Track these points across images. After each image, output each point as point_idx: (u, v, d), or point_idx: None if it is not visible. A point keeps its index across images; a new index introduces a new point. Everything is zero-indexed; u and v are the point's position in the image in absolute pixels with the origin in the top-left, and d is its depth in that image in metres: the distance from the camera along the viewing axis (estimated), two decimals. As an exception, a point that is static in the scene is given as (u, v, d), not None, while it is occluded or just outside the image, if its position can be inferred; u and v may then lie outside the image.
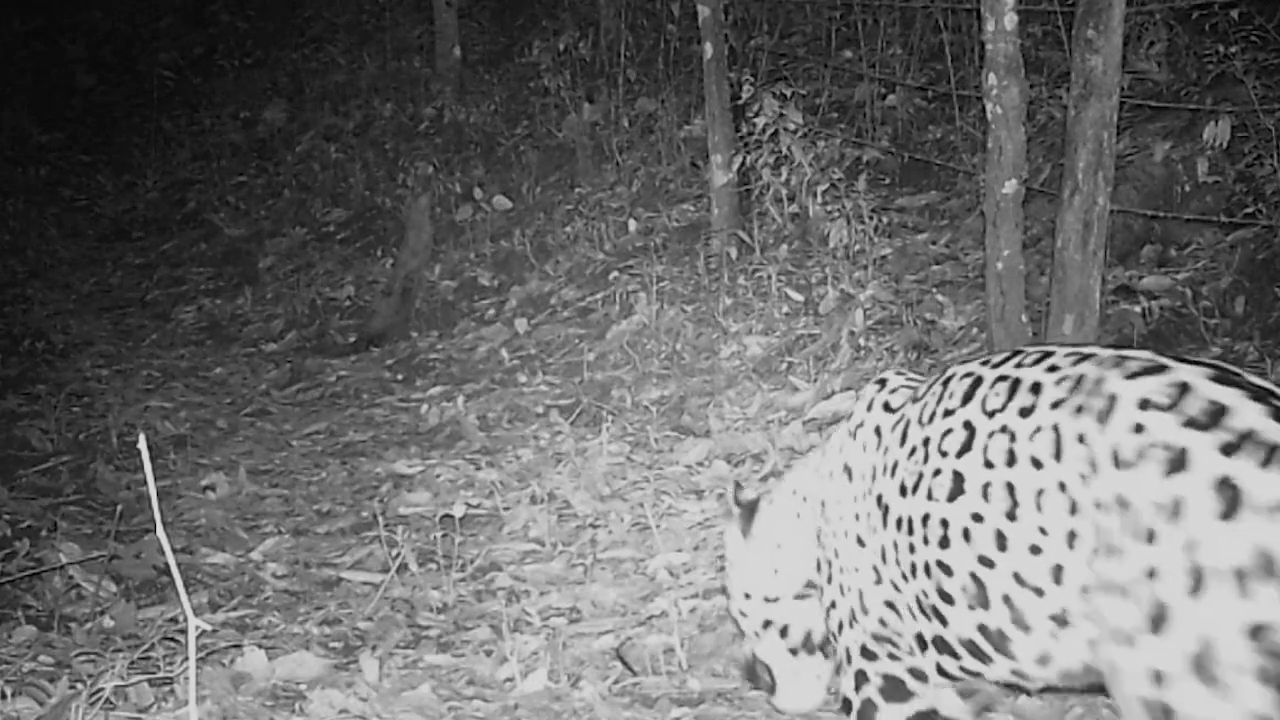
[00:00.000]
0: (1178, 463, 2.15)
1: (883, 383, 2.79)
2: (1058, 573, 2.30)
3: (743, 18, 7.80)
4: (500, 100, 9.02)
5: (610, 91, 8.21)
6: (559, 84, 8.42)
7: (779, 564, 3.01)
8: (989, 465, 2.39)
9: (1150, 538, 2.15)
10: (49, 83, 12.06)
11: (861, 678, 2.72)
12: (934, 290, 5.58)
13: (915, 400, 2.63)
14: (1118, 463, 2.21)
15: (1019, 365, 2.44)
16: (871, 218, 5.80)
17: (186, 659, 3.60)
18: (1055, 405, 2.33)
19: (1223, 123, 5.27)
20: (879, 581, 2.64)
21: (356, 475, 5.55)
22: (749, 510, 3.08)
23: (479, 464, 5.39)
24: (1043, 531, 2.31)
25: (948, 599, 2.48)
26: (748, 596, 3.09)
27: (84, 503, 5.30)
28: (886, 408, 2.71)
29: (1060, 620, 2.32)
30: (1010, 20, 4.77)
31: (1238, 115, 5.31)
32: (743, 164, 6.35)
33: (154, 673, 3.68)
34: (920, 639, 2.59)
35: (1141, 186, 5.56)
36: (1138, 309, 5.08)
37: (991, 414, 2.41)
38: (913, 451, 2.55)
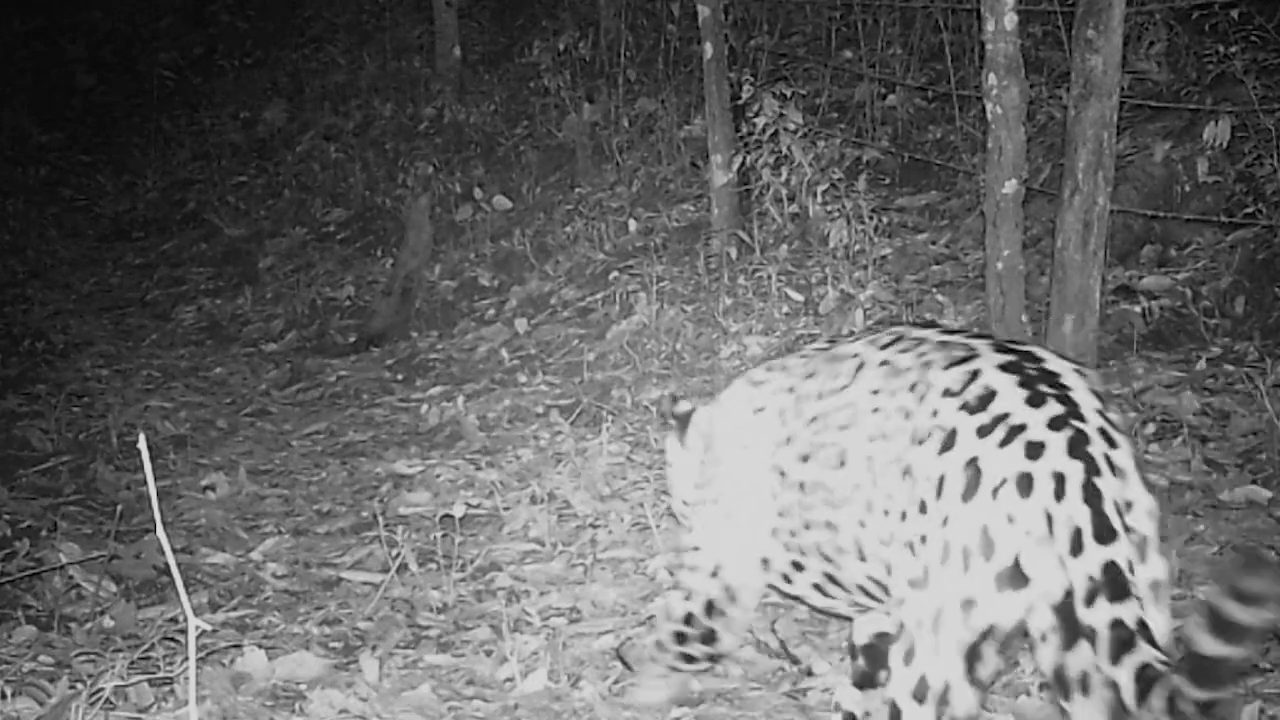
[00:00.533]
0: (948, 443, 2.51)
1: (785, 368, 3.06)
2: (940, 543, 2.54)
3: (743, 18, 7.80)
4: (500, 100, 9.02)
5: (610, 91, 8.21)
6: (559, 84, 8.42)
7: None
8: (863, 440, 2.74)
9: (922, 508, 2.53)
10: (49, 83, 12.06)
11: (689, 617, 3.21)
12: (934, 290, 5.58)
13: (811, 376, 2.94)
14: (916, 440, 2.58)
15: (891, 349, 2.77)
16: (871, 218, 5.80)
17: (186, 659, 3.60)
18: (910, 389, 2.66)
19: (1223, 123, 5.27)
20: (774, 534, 3.01)
21: (356, 475, 5.55)
22: (684, 421, 3.36)
23: (479, 464, 5.39)
24: (888, 496, 2.67)
25: (849, 551, 2.82)
26: (686, 503, 3.38)
27: (84, 503, 5.30)
28: (790, 392, 2.98)
29: (925, 580, 2.58)
30: (1010, 20, 4.77)
31: (1238, 115, 5.31)
32: (743, 164, 6.35)
33: (154, 673, 3.68)
34: (815, 585, 2.99)
35: (1141, 186, 5.57)
36: (1138, 309, 5.08)
37: (876, 391, 2.74)
38: (813, 424, 2.88)
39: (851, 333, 2.94)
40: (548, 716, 3.61)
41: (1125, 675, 2.33)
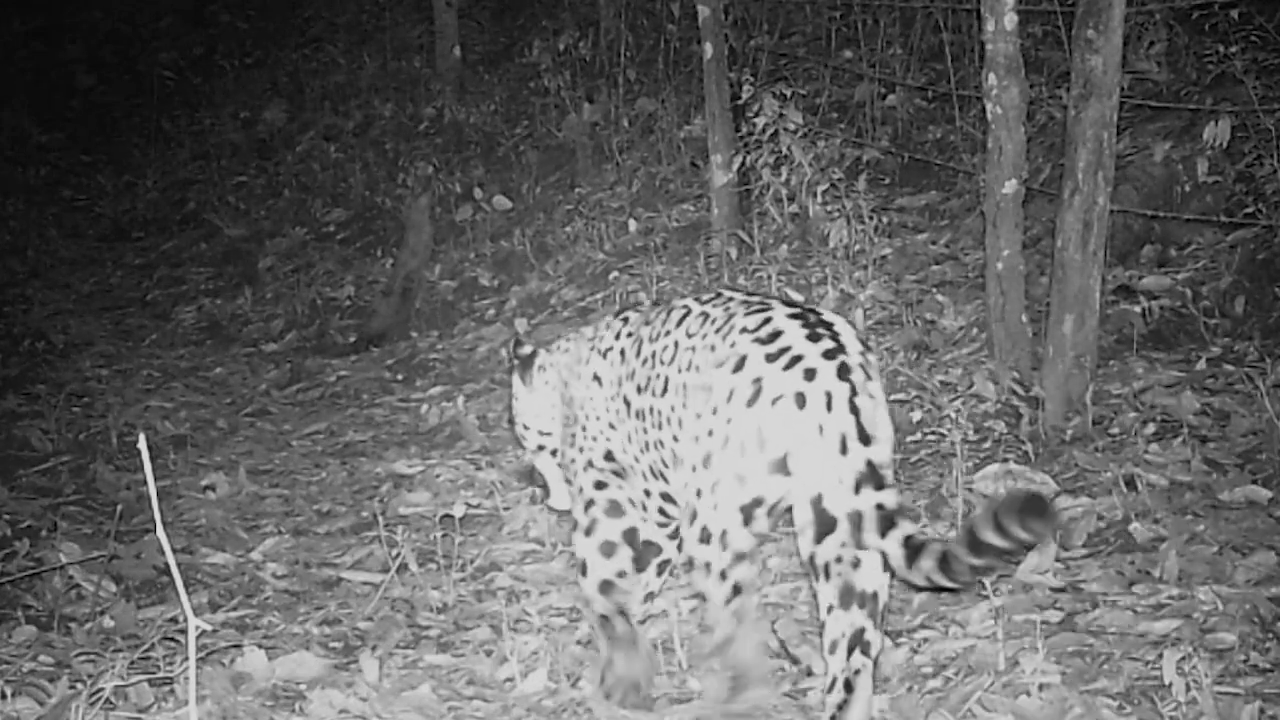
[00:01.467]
0: (740, 365, 3.17)
1: (625, 319, 3.68)
2: (731, 439, 3.19)
3: (743, 18, 7.80)
4: (500, 100, 9.02)
5: (610, 91, 8.21)
6: (559, 84, 8.42)
7: (550, 413, 3.88)
8: (680, 370, 3.36)
9: (713, 411, 3.20)
10: (49, 83, 12.06)
11: (590, 503, 3.67)
12: (934, 290, 5.58)
13: (647, 324, 3.56)
14: (718, 365, 3.22)
15: (710, 304, 3.40)
16: (871, 218, 5.80)
17: (186, 659, 3.60)
18: (718, 331, 3.29)
19: (1223, 123, 5.27)
20: (625, 450, 3.59)
21: (356, 475, 5.55)
22: (526, 362, 3.90)
23: (479, 464, 5.39)
24: (696, 415, 3.28)
25: (663, 462, 3.45)
26: (527, 427, 3.94)
27: (84, 503, 5.30)
28: (630, 336, 3.61)
29: (707, 461, 3.24)
30: (1010, 20, 4.77)
31: (1238, 115, 5.31)
32: (743, 164, 6.35)
33: (154, 673, 3.68)
34: (646, 492, 3.57)
35: (1141, 186, 5.57)
36: (1138, 309, 5.08)
37: (692, 336, 3.36)
38: (650, 361, 3.47)
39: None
40: (547, 716, 3.61)
41: (893, 545, 2.99)
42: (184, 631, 3.81)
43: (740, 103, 6.17)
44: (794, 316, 3.22)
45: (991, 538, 2.84)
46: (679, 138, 7.59)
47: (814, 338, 3.15)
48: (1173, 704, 3.21)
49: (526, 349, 3.92)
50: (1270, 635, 3.45)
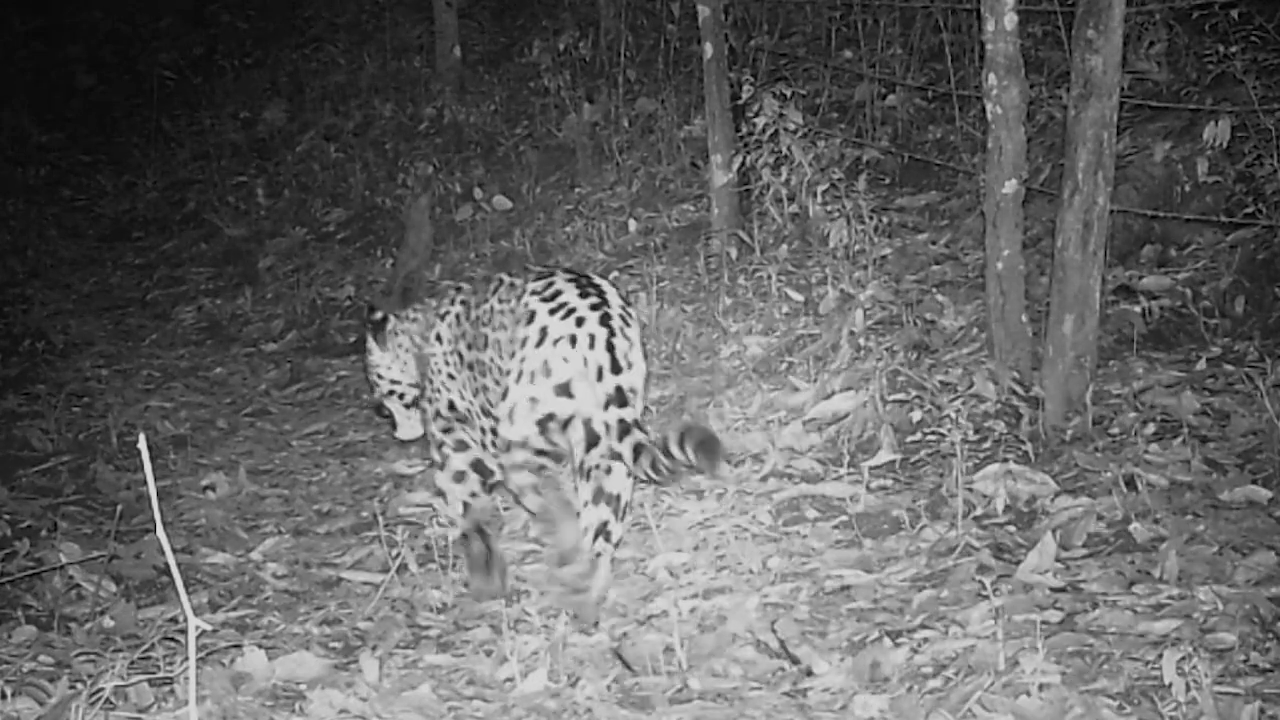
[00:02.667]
0: (530, 318, 4.05)
1: (460, 289, 4.50)
2: (524, 369, 4.05)
3: (743, 18, 7.79)
4: (500, 100, 9.01)
5: (610, 91, 8.21)
6: (559, 84, 8.42)
7: (399, 367, 4.73)
8: (494, 330, 4.20)
9: (512, 355, 4.06)
10: (49, 83, 12.06)
11: (441, 444, 4.48)
12: (934, 290, 5.58)
13: (475, 293, 4.40)
14: (516, 321, 4.09)
15: (515, 276, 4.26)
16: (871, 218, 5.80)
17: (186, 659, 3.60)
18: (517, 298, 4.14)
19: (1223, 123, 5.26)
20: (462, 397, 4.41)
21: (356, 475, 5.55)
22: (378, 326, 4.74)
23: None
24: (502, 369, 4.13)
25: (489, 402, 4.26)
26: (380, 377, 4.81)
27: (84, 503, 5.31)
28: (463, 303, 4.43)
29: (507, 394, 4.09)
30: (1010, 20, 4.77)
31: (1238, 115, 5.31)
32: (743, 164, 6.35)
33: (154, 673, 3.68)
34: (481, 429, 4.37)
35: (1141, 186, 5.56)
36: (1138, 309, 5.08)
37: (504, 301, 4.21)
38: (477, 323, 4.30)
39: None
40: (547, 716, 3.61)
41: (627, 449, 3.87)
42: (184, 631, 3.81)
43: (740, 103, 6.16)
44: (570, 280, 4.15)
45: (675, 450, 3.80)
46: (679, 138, 7.59)
47: (584, 295, 4.08)
48: (1173, 704, 3.22)
49: (379, 315, 4.78)
50: (1270, 635, 3.45)
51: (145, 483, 3.25)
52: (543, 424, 4.03)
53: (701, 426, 4.13)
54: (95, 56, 12.33)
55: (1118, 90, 4.56)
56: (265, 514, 5.26)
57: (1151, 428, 4.49)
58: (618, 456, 3.92)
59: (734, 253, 6.25)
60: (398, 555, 4.48)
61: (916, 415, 4.86)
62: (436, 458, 4.52)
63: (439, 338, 4.49)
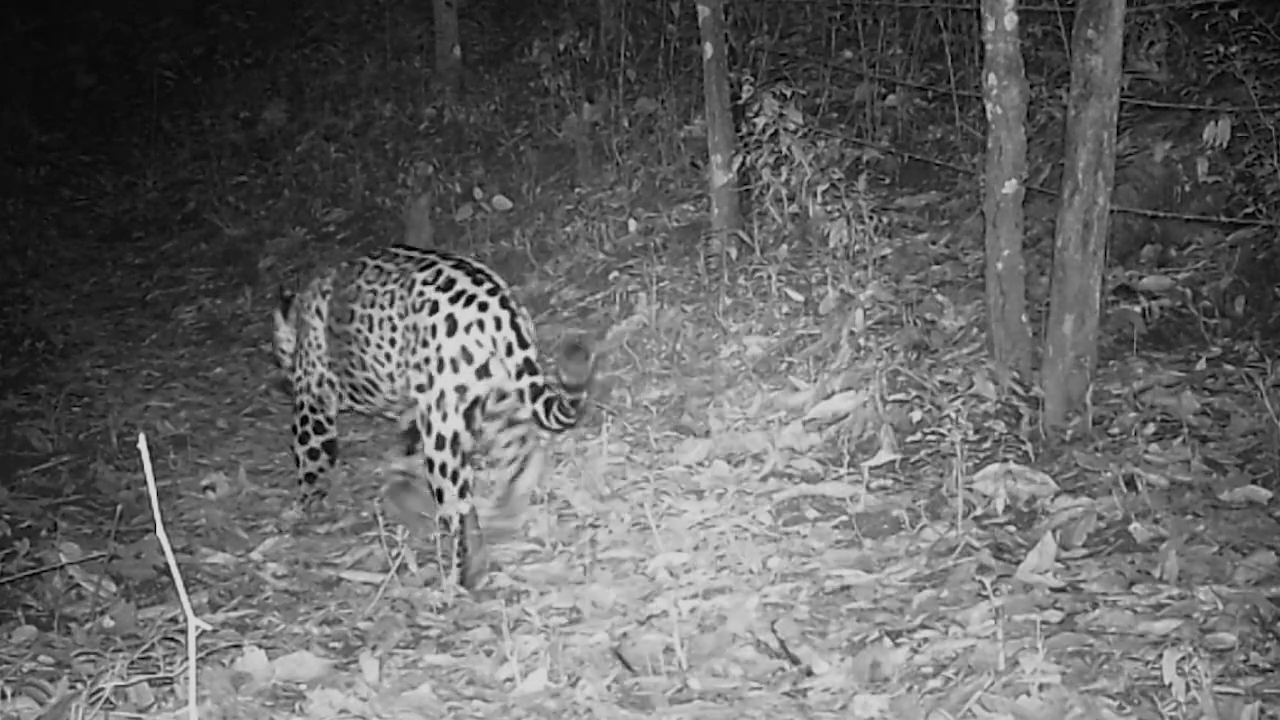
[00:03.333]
0: (434, 309, 4.54)
1: (326, 275, 5.10)
2: (390, 360, 4.73)
3: (743, 18, 7.79)
4: (500, 100, 9.01)
5: (610, 91, 8.21)
6: (559, 84, 8.41)
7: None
8: (366, 307, 4.79)
9: (424, 344, 4.53)
10: (49, 83, 12.06)
11: (305, 419, 5.20)
12: (934, 290, 5.58)
13: (344, 274, 4.98)
14: (413, 309, 4.58)
15: (380, 259, 4.86)
16: (871, 218, 5.80)
17: (186, 659, 3.60)
18: (397, 281, 4.70)
19: (1223, 123, 5.26)
20: (330, 366, 5.07)
21: (356, 475, 5.55)
22: (286, 302, 5.33)
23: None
24: (389, 341, 4.73)
25: (360, 367, 4.90)
26: (283, 351, 5.36)
27: (84, 503, 5.31)
28: (333, 283, 5.03)
29: (394, 379, 4.76)
30: (1010, 20, 4.77)
31: (1238, 115, 5.30)
32: (743, 164, 6.34)
33: (154, 673, 3.68)
34: (352, 393, 5.05)
35: (1141, 186, 5.56)
36: (1138, 309, 5.08)
37: (370, 282, 4.80)
38: (343, 300, 4.92)
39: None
40: (547, 716, 3.61)
41: (540, 406, 4.47)
42: (184, 631, 3.81)
43: (740, 103, 6.16)
44: (456, 267, 4.63)
45: (566, 379, 4.42)
46: (679, 138, 7.59)
47: (477, 281, 4.57)
48: (1173, 704, 3.22)
49: (288, 293, 5.35)
50: (1270, 635, 3.45)
51: (145, 483, 3.26)
52: (469, 414, 4.53)
53: (572, 342, 4.55)
54: (95, 56, 12.33)
55: (1118, 90, 4.56)
56: (265, 514, 5.26)
57: (1151, 428, 4.49)
58: (534, 414, 4.51)
59: (734, 253, 6.25)
60: (398, 555, 4.48)
61: (916, 415, 4.86)
62: (298, 427, 5.21)
63: (318, 312, 5.10)
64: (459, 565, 4.46)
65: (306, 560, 4.79)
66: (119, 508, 4.75)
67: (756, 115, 6.00)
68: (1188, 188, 5.49)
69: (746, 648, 3.85)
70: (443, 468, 4.50)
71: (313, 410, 5.15)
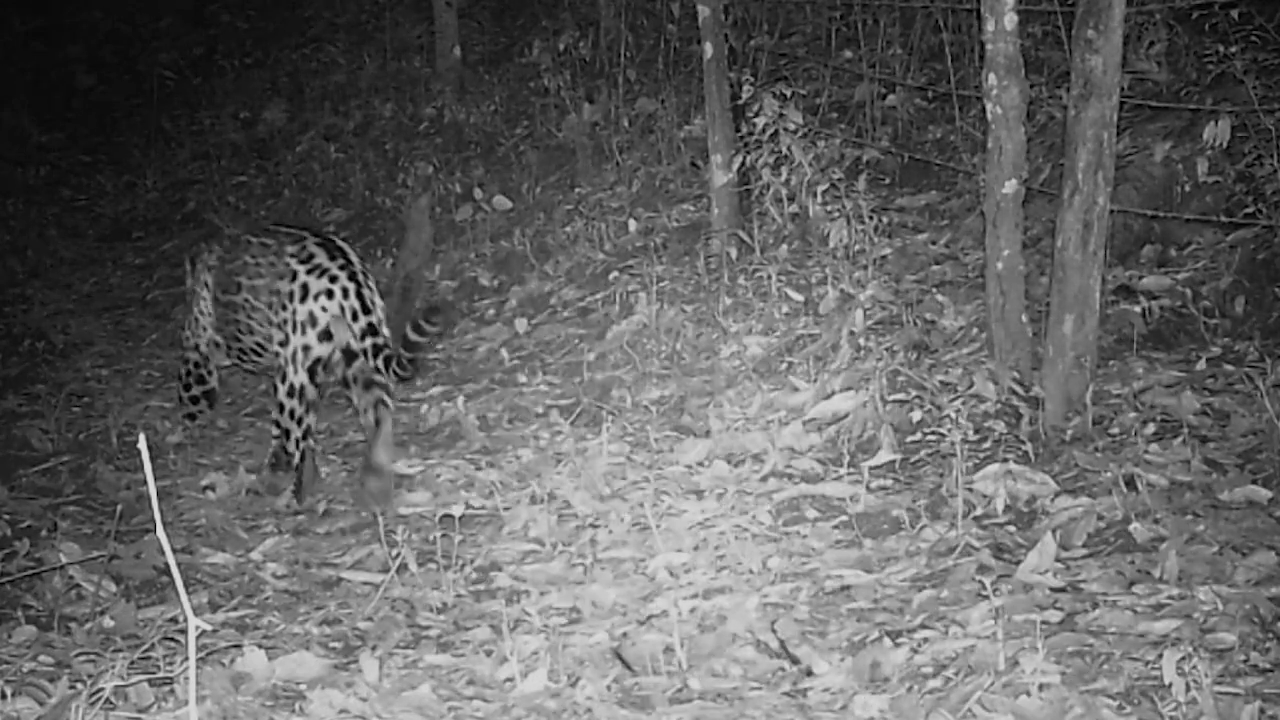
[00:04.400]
0: (294, 277, 5.31)
1: (212, 251, 5.84)
2: (270, 323, 5.43)
3: (743, 18, 7.79)
4: (500, 100, 9.01)
5: (610, 91, 8.21)
6: (559, 84, 8.41)
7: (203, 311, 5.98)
8: (250, 279, 5.52)
9: (284, 307, 5.30)
10: (49, 83, 12.05)
11: (189, 373, 6.06)
12: (934, 290, 5.58)
13: (228, 252, 5.71)
14: (279, 277, 5.37)
15: (270, 236, 5.55)
16: (871, 218, 5.80)
17: (186, 659, 3.60)
18: (273, 253, 5.45)
19: (1223, 123, 5.26)
20: (218, 331, 5.83)
21: (356, 475, 5.54)
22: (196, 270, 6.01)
23: (479, 464, 5.40)
24: (268, 306, 5.43)
25: (248, 332, 5.62)
26: (196, 320, 6.02)
27: (84, 503, 5.30)
28: (219, 258, 5.77)
29: (272, 339, 5.44)
30: (1010, 20, 4.77)
31: (1238, 115, 5.30)
32: (743, 164, 6.34)
33: (154, 673, 3.68)
34: (240, 355, 5.79)
35: (1141, 186, 5.56)
36: (1138, 309, 5.08)
37: (254, 257, 5.52)
38: (228, 273, 5.65)
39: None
40: (547, 716, 3.61)
41: (380, 363, 5.17)
42: (184, 631, 3.81)
43: (740, 103, 6.16)
44: (319, 245, 5.40)
45: (413, 336, 5.10)
46: (679, 138, 7.59)
47: (332, 257, 5.34)
48: (1173, 704, 3.21)
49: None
50: (1270, 635, 3.45)
51: (145, 483, 3.25)
52: (312, 370, 5.30)
53: (434, 305, 5.43)
54: (95, 56, 12.32)
55: (1118, 90, 4.56)
56: (265, 514, 5.26)
57: (1151, 428, 4.49)
58: (375, 369, 5.19)
59: (734, 253, 6.25)
60: (398, 555, 4.48)
61: (916, 415, 4.86)
62: (184, 378, 6.11)
63: (205, 284, 5.85)
64: (295, 489, 5.32)
65: (306, 560, 4.79)
66: (119, 508, 4.75)
67: (756, 115, 6.00)
68: (1188, 188, 5.49)
69: (746, 648, 3.85)
70: (291, 412, 5.31)
71: (196, 365, 6.03)
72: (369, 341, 5.19)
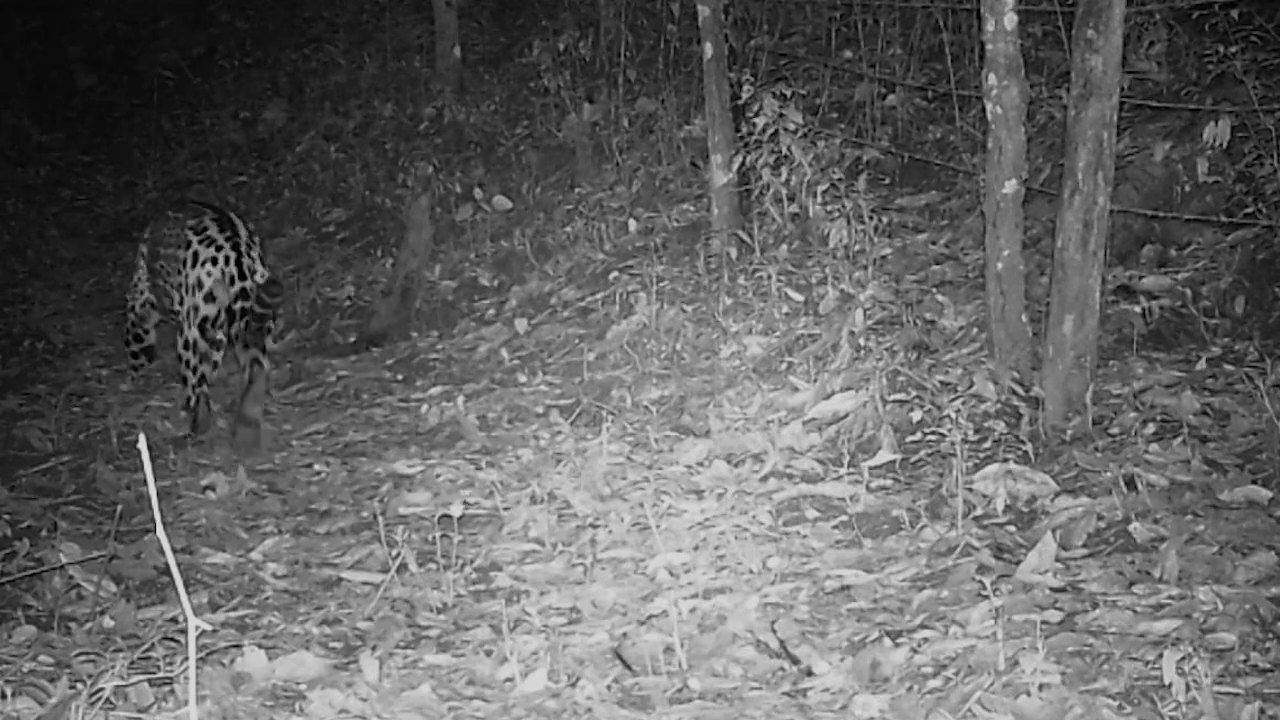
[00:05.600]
0: (188, 245, 6.16)
1: (149, 226, 6.75)
2: (174, 285, 6.30)
3: (743, 18, 7.79)
4: (500, 100, 9.01)
5: (610, 91, 8.21)
6: (559, 84, 8.41)
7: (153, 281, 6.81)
8: (168, 248, 6.36)
9: (179, 271, 6.24)
10: (49, 83, 12.05)
11: (130, 329, 6.95)
12: (934, 290, 5.58)
13: (157, 227, 6.63)
14: (179, 246, 6.22)
15: (186, 212, 6.45)
16: (871, 218, 5.80)
17: (186, 659, 3.60)
18: (181, 227, 6.26)
19: (1223, 123, 5.26)
20: (152, 293, 6.71)
21: (356, 475, 5.55)
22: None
23: (479, 464, 5.39)
24: (177, 270, 6.23)
25: (166, 293, 6.43)
26: (135, 285, 6.95)
27: (84, 503, 5.30)
28: (151, 234, 6.67)
29: (174, 300, 6.32)
30: (1010, 20, 4.77)
31: (1238, 115, 5.30)
32: (743, 164, 6.34)
33: (154, 673, 3.68)
34: (166, 313, 6.56)
35: (1141, 186, 5.56)
36: (1138, 309, 5.08)
37: (171, 230, 6.38)
38: (154, 244, 6.59)
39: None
40: (547, 716, 3.61)
41: (243, 322, 5.99)
42: (184, 631, 3.81)
43: (740, 103, 6.16)
44: (214, 220, 6.19)
45: (258, 309, 6.01)
46: (679, 138, 7.59)
47: (222, 229, 6.12)
48: (1173, 704, 3.21)
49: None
50: (1270, 635, 3.45)
51: (145, 483, 3.25)
52: (202, 326, 6.08)
53: (274, 278, 6.24)
54: (95, 56, 12.32)
55: (1118, 90, 4.56)
56: (265, 514, 5.26)
57: (1151, 428, 4.49)
58: (244, 325, 5.99)
59: (734, 253, 6.24)
60: (398, 555, 4.48)
61: (916, 415, 4.86)
62: (127, 334, 6.99)
63: (141, 254, 6.76)
64: (190, 424, 6.13)
65: (306, 560, 4.78)
66: (119, 508, 4.74)
67: (756, 115, 6.00)
68: (1188, 188, 5.49)
69: (746, 648, 3.85)
70: (187, 362, 6.14)
71: (134, 325, 6.93)
72: (240, 305, 6.02)
